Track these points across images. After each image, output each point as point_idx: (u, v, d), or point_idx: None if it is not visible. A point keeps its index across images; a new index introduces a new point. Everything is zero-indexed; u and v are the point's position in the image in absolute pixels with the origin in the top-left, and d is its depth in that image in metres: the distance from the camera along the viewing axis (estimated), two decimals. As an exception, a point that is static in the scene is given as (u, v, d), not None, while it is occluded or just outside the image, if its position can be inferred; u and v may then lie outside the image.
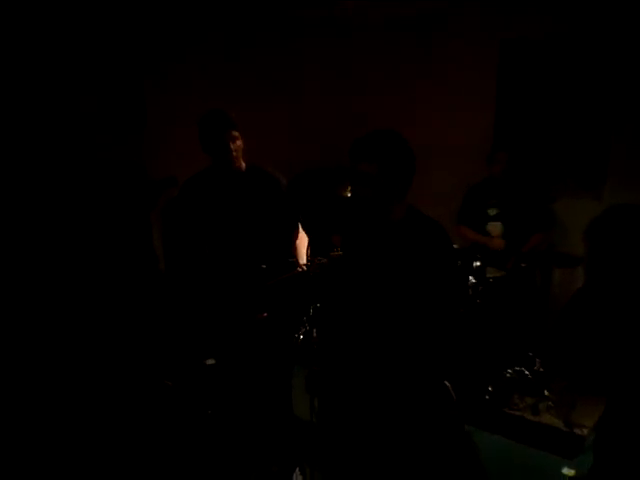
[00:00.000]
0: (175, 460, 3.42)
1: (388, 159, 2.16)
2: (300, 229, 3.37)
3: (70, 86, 3.97)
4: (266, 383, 3.34)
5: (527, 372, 3.93)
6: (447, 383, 2.92)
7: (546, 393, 3.79)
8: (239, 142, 3.07)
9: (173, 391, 3.97)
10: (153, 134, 4.40)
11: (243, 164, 3.17)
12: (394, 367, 2.26)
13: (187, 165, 3.33)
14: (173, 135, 4.42)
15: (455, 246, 3.37)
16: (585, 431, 3.50)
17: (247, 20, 4.98)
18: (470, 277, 3.97)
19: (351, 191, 2.30)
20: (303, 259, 3.16)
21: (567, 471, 3.28)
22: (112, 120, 4.20)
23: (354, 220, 2.45)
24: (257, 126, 3.20)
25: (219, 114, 3.03)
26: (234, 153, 3.05)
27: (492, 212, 4.43)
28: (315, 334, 3.25)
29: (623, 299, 2.03)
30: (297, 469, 3.15)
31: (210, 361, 3.94)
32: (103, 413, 3.66)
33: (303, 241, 3.33)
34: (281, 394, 3.40)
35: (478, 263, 4.07)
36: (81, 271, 3.96)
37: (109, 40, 4.13)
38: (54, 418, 3.55)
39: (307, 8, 5.03)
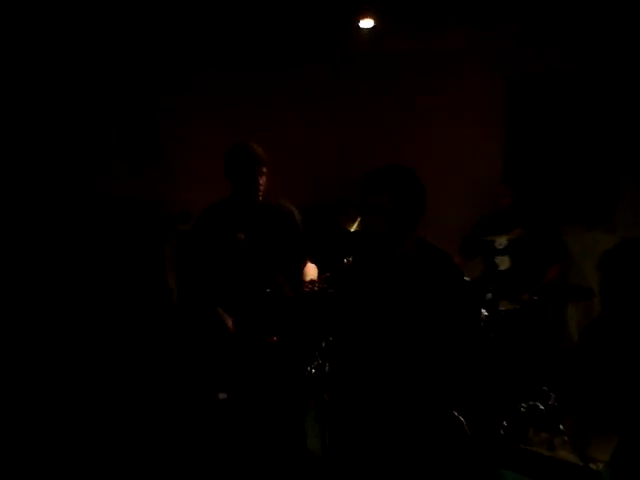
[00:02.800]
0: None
1: (399, 191, 2.19)
2: (309, 261, 3.41)
3: (85, 119, 4.05)
4: (279, 416, 3.32)
5: (542, 406, 3.87)
6: (462, 418, 2.90)
7: (561, 428, 3.73)
8: (265, 178, 3.16)
9: (185, 426, 3.96)
10: (168, 168, 4.47)
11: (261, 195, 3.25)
12: (405, 398, 2.25)
13: (201, 199, 3.39)
14: (188, 169, 4.49)
15: (466, 278, 3.37)
16: (600, 466, 3.43)
17: (255, 52, 5.06)
18: (482, 310, 3.95)
19: (362, 224, 2.32)
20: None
21: (583, 507, 3.21)
22: (127, 154, 4.27)
23: (364, 251, 2.47)
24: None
25: (251, 150, 3.12)
26: (261, 187, 3.15)
27: (500, 245, 4.42)
28: (327, 368, 3.25)
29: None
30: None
31: (222, 395, 3.94)
32: (111, 450, 3.65)
33: (312, 270, 3.37)
34: (294, 427, 3.38)
35: (490, 295, 4.06)
36: (96, 305, 3.99)
37: (123, 71, 4.22)
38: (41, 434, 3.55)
39: (318, 40, 5.13)
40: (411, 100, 5.34)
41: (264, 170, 3.14)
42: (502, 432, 3.81)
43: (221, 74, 4.82)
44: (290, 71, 5.34)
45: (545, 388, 3.94)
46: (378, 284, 2.32)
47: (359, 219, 3.55)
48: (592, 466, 3.40)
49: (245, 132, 3.50)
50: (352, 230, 3.57)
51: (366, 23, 4.43)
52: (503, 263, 4.41)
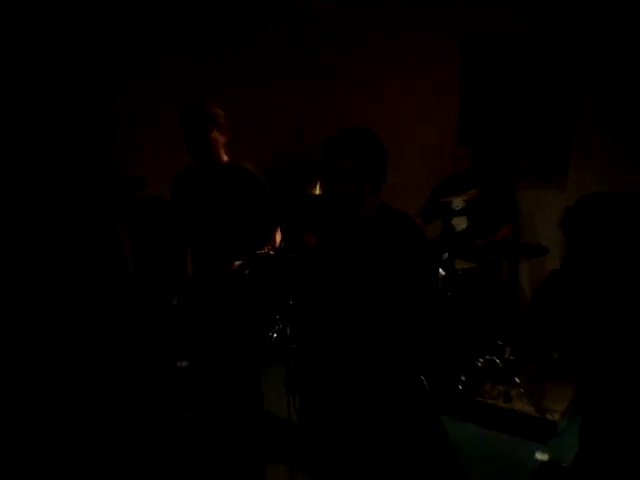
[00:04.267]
0: (150, 463, 3.39)
1: (361, 154, 2.17)
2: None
3: (35, 85, 3.88)
4: (234, 380, 3.31)
5: (498, 360, 4.00)
6: (422, 376, 2.96)
7: (517, 380, 3.86)
8: (214, 135, 3.04)
9: (145, 394, 3.94)
10: (121, 134, 4.33)
11: (224, 157, 3.15)
12: (371, 360, 2.28)
13: (156, 165, 3.30)
14: (142, 135, 4.36)
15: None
16: (556, 416, 3.58)
17: (214, 16, 4.92)
18: (440, 269, 4.02)
19: (325, 188, 2.31)
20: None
21: (540, 456, 3.34)
22: (79, 121, 4.12)
23: (327, 216, 2.46)
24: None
25: (191, 110, 3.02)
26: (203, 146, 3.04)
27: (456, 206, 4.47)
28: (289, 332, 3.26)
29: (601, 284, 2.09)
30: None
31: (183, 363, 3.92)
32: (71, 416, 3.60)
33: (276, 237, 3.33)
34: (250, 390, 3.39)
35: (447, 255, 4.13)
36: (48, 274, 3.88)
37: (77, 38, 4.04)
38: (19, 423, 3.48)
39: (274, 4, 5.01)
40: (367, 60, 5.28)
41: (211, 129, 3.02)
42: (460, 386, 3.93)
43: (178, 39, 4.65)
44: (245, 36, 5.21)
45: (500, 342, 4.07)
46: (343, 249, 2.32)
47: (320, 183, 3.50)
48: (548, 416, 3.55)
49: (202, 97, 3.39)
50: (316, 194, 3.52)
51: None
52: (460, 224, 4.47)
